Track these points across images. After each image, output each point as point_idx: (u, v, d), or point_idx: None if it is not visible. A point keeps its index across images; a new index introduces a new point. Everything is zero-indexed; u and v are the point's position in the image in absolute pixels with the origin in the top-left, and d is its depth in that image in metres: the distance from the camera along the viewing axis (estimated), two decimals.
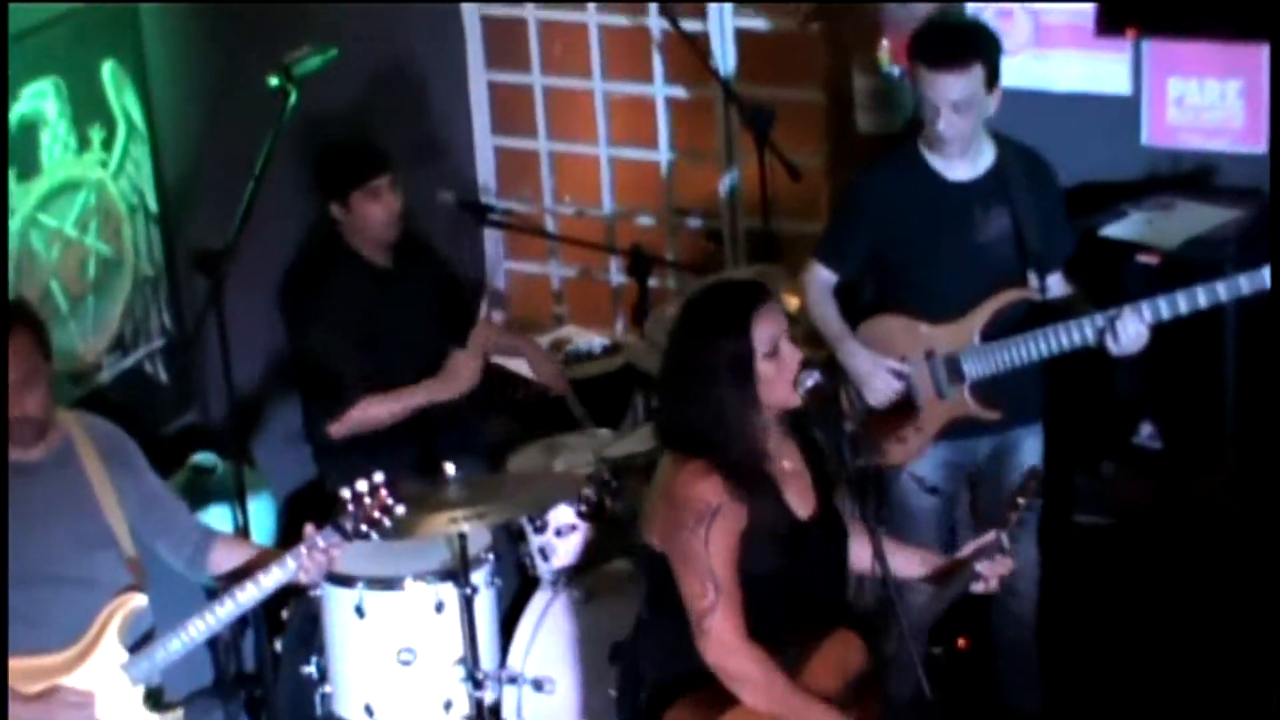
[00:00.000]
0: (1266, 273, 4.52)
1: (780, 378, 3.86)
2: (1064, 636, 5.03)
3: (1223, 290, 4.56)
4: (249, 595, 4.15)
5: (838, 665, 3.97)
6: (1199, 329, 4.79)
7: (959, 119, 4.62)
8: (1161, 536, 5.15)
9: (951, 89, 4.59)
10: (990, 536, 4.03)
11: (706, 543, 3.83)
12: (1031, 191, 4.72)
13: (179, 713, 4.28)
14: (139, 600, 4.17)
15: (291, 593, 4.71)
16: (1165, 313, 4.59)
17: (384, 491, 4.14)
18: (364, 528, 4.16)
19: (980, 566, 4.01)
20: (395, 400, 5.29)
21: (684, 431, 3.92)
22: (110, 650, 4.15)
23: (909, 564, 4.09)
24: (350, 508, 4.15)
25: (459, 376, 5.39)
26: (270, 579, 4.14)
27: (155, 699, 4.23)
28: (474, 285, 6.62)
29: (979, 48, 4.66)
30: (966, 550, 4.05)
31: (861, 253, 4.81)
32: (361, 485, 4.15)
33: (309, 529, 4.18)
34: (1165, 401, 5.20)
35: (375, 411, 5.27)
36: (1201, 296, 4.57)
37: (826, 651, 3.96)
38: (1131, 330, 4.58)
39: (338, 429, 5.25)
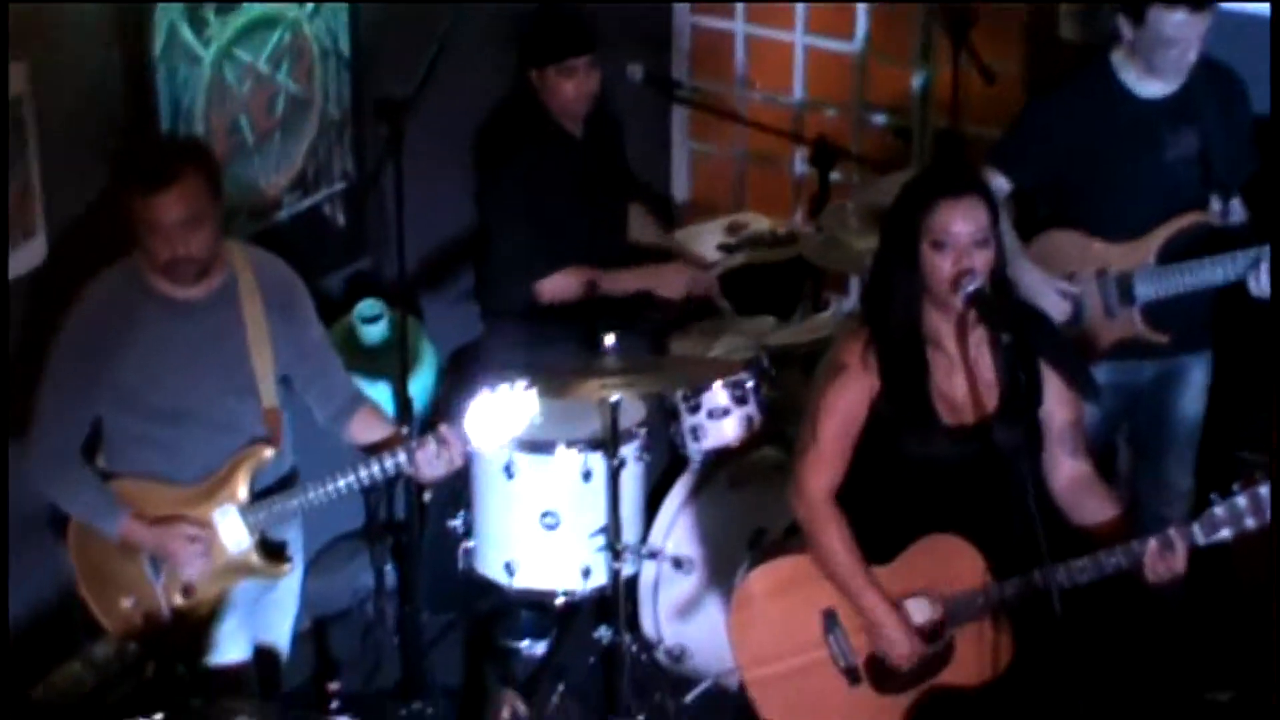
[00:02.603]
0: None
1: (940, 271, 3.85)
2: (1211, 561, 4.93)
3: None
4: (370, 473, 4.21)
5: (933, 569, 3.97)
6: None
7: (1192, 54, 4.52)
8: None
9: (1197, 27, 4.48)
10: (1169, 534, 3.86)
11: (824, 394, 3.94)
12: (1223, 112, 4.60)
13: (288, 567, 4.36)
14: (268, 452, 4.25)
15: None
16: None
17: (522, 397, 4.17)
18: (494, 432, 4.18)
19: (1149, 556, 3.85)
20: (609, 278, 5.32)
21: (863, 296, 4.03)
22: (234, 495, 4.24)
23: (1101, 509, 4.01)
24: (484, 408, 4.17)
25: (678, 282, 5.39)
26: (389, 464, 4.20)
27: (270, 550, 4.31)
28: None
29: None
30: (1150, 544, 3.88)
31: (1040, 164, 4.72)
32: (501, 387, 4.17)
33: (441, 428, 4.22)
34: None
35: (586, 280, 5.29)
36: None
37: (924, 552, 3.97)
38: (1265, 278, 4.47)
39: (546, 291, 5.28)
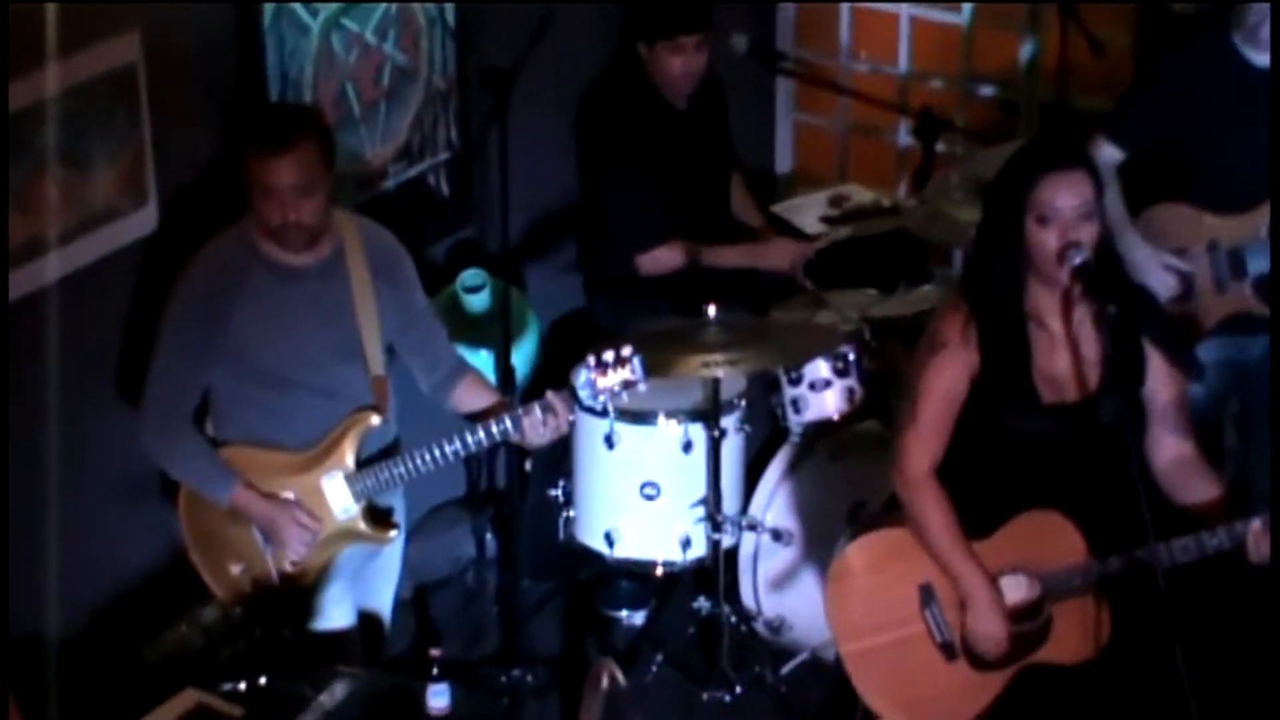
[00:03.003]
0: None
1: (1045, 246, 3.82)
2: None
3: None
4: (476, 440, 4.23)
5: (1031, 545, 3.95)
6: None
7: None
8: None
9: None
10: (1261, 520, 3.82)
11: (924, 371, 3.93)
12: None
13: (395, 533, 4.39)
14: (375, 419, 4.27)
15: None
16: None
17: (628, 366, 4.17)
18: (599, 398, 4.19)
19: (1251, 536, 3.82)
20: (713, 253, 5.32)
21: (965, 271, 4.00)
22: (341, 461, 4.27)
23: (1208, 490, 3.97)
24: (590, 375, 4.18)
25: (783, 256, 5.38)
26: (496, 430, 4.22)
27: (376, 516, 4.34)
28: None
29: None
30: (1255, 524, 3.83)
31: (1152, 133, 4.66)
32: (608, 355, 4.18)
33: (549, 394, 4.22)
34: None
35: (688, 255, 5.29)
36: None
37: (1022, 528, 3.95)
38: None
39: (647, 263, 5.29)
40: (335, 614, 4.35)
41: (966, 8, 6.28)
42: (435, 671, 3.92)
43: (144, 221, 4.54)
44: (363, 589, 4.48)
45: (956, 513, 3.95)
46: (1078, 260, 3.80)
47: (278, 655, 4.09)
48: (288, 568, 4.29)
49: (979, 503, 3.96)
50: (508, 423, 4.23)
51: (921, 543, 3.99)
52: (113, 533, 4.59)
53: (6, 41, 4.12)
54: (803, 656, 4.99)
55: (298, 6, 4.84)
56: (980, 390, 3.91)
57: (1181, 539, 3.85)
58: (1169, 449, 3.99)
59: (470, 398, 4.42)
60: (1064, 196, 3.81)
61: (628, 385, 4.21)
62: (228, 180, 4.30)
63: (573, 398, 4.22)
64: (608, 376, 4.20)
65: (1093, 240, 3.83)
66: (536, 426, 4.22)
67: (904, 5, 6.40)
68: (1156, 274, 4.61)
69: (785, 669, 5.00)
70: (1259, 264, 4.62)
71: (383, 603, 4.58)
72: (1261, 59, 4.57)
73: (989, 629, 3.97)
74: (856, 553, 4.10)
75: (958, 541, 3.95)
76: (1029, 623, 4.01)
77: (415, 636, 5.18)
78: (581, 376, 4.22)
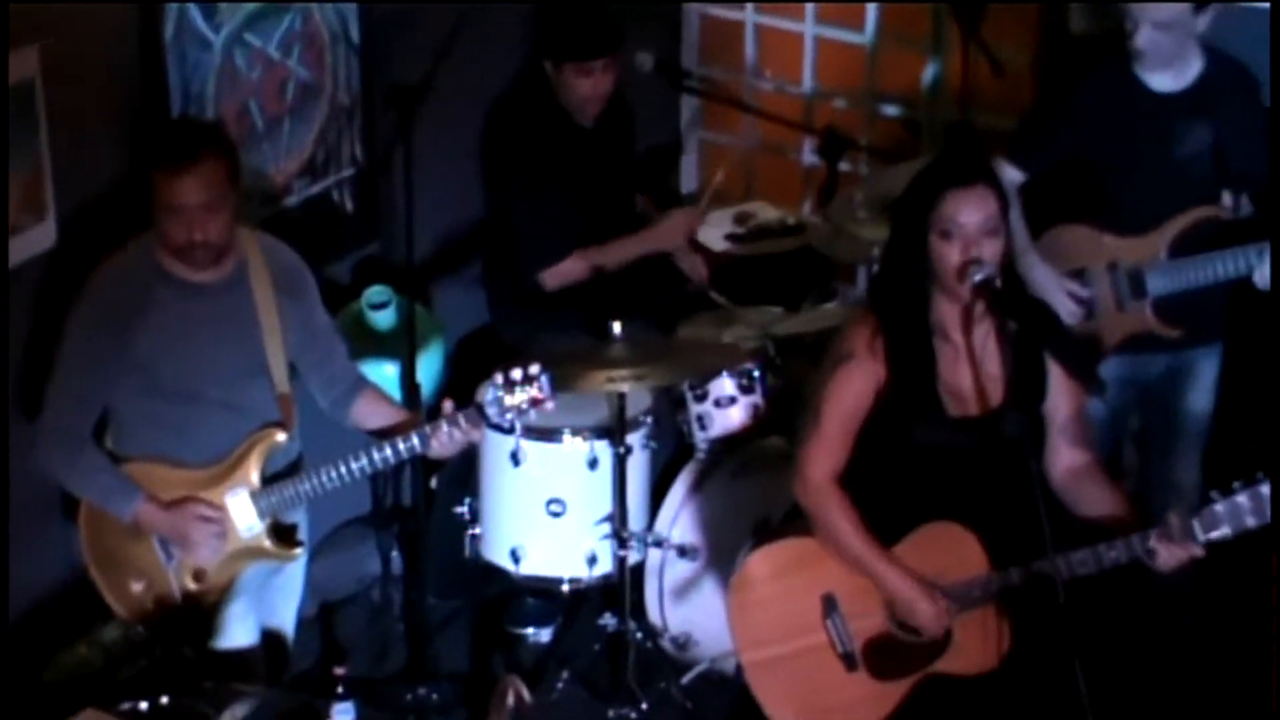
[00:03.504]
0: None
1: (948, 260, 3.86)
2: (1223, 560, 4.94)
3: None
4: (384, 456, 4.22)
5: (933, 557, 3.97)
6: None
7: (1161, 36, 4.51)
8: None
9: (1158, 9, 4.48)
10: (1175, 520, 3.85)
11: (829, 381, 3.95)
12: (1238, 108, 4.60)
13: (299, 551, 4.37)
14: (281, 435, 4.25)
15: None
16: None
17: (535, 384, 4.17)
18: (507, 416, 4.19)
19: (1157, 544, 3.85)
20: (611, 250, 5.32)
21: (871, 284, 3.91)
22: (246, 478, 4.24)
23: (1107, 503, 4.01)
24: (498, 394, 4.18)
25: (675, 229, 5.39)
26: (403, 447, 4.20)
27: (281, 533, 4.32)
28: (668, 150, 6.62)
29: None
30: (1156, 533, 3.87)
31: (1053, 156, 4.72)
32: (516, 373, 4.18)
33: (448, 406, 4.22)
34: None
35: (590, 262, 5.29)
36: None
37: (925, 539, 3.98)
38: (1268, 270, 4.48)
39: (552, 279, 5.28)
40: (238, 632, 4.32)
41: (870, 27, 6.34)
42: (340, 690, 3.90)
43: (43, 237, 4.49)
44: (266, 607, 4.45)
45: (862, 516, 3.97)
46: (980, 276, 3.84)
47: (179, 674, 4.06)
48: (190, 584, 4.26)
49: (882, 515, 3.98)
50: (415, 440, 4.22)
51: (833, 550, 4.00)
52: (13, 552, 4.53)
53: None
54: (701, 667, 5.00)
55: (200, 23, 4.81)
56: (886, 402, 3.94)
57: (1080, 551, 3.89)
58: (1068, 461, 4.04)
59: (371, 414, 4.40)
60: (967, 212, 3.85)
61: (535, 403, 4.21)
62: (129, 196, 4.26)
63: (480, 415, 4.22)
64: (515, 394, 4.20)
65: (996, 256, 3.87)
66: (445, 442, 4.21)
67: (809, 24, 6.45)
68: (1057, 296, 4.66)
69: (684, 679, 5.00)
70: (1159, 284, 4.68)
71: (286, 620, 4.55)
72: (1158, 82, 4.64)
73: (924, 613, 3.96)
74: (758, 563, 4.12)
75: (870, 541, 3.96)
76: (929, 633, 4.04)
77: (320, 654, 5.14)
78: (489, 394, 4.21)
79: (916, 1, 6.14)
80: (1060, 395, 4.00)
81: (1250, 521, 3.81)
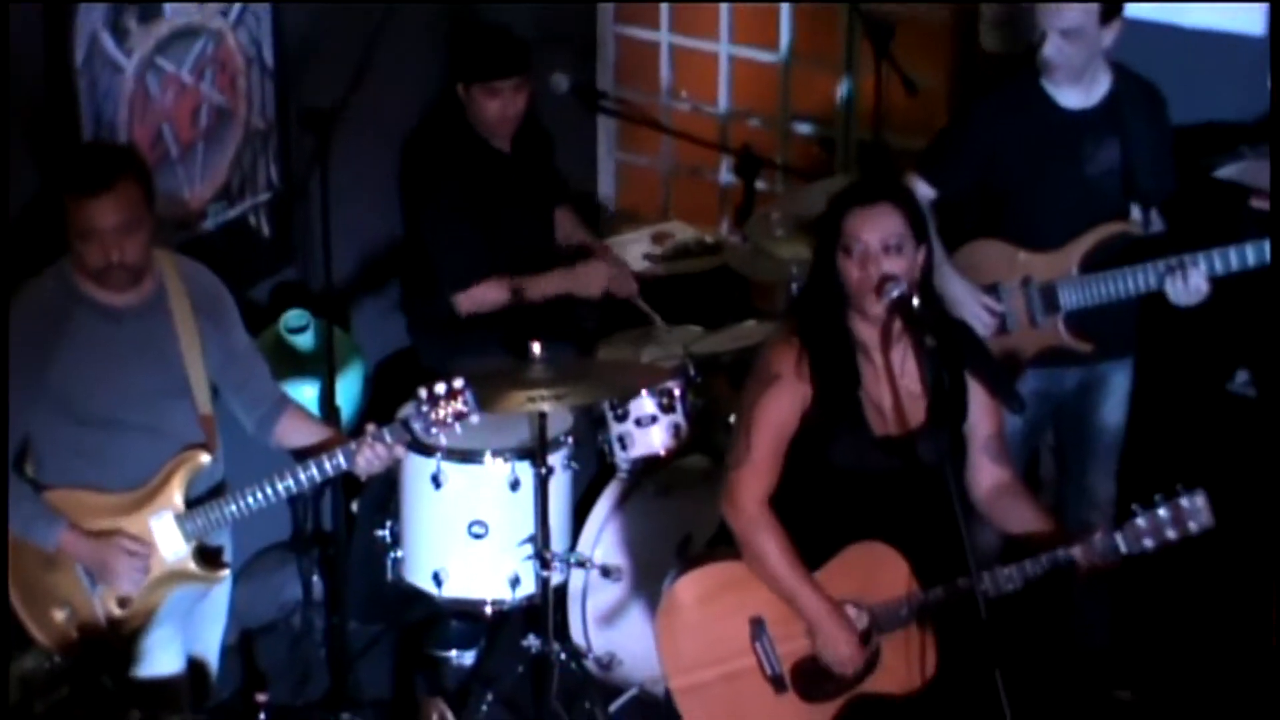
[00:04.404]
0: None
1: (856, 278, 3.90)
2: (1137, 577, 5.01)
3: None
4: (309, 475, 4.20)
5: (860, 577, 4.00)
6: None
7: (1068, 46, 4.57)
8: (1248, 486, 5.09)
9: (1062, 16, 4.54)
10: (1097, 532, 3.92)
11: (756, 403, 3.96)
12: (1145, 125, 4.67)
13: (226, 573, 4.35)
14: (204, 457, 4.23)
15: None
16: (1220, 267, 4.53)
17: (460, 398, 4.17)
18: (433, 430, 4.19)
19: (1078, 554, 3.90)
20: (530, 285, 5.32)
21: (796, 303, 4.08)
22: (170, 501, 4.21)
23: (1031, 519, 4.04)
24: (423, 408, 4.17)
25: (597, 279, 5.40)
26: (329, 465, 4.19)
27: (206, 556, 4.29)
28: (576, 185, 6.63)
29: None
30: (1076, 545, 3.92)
31: (964, 173, 4.77)
32: (440, 388, 4.17)
33: (369, 427, 4.21)
34: (1263, 349, 5.12)
35: (507, 290, 5.29)
36: (1268, 251, 4.50)
37: (851, 560, 4.00)
38: (1190, 281, 4.54)
39: (466, 302, 5.28)
40: (163, 659, 4.29)
41: (784, 47, 6.38)
42: (262, 717, 3.87)
43: None
44: (190, 633, 4.41)
45: (792, 542, 3.99)
46: (895, 293, 3.87)
47: (99, 704, 4.01)
48: (115, 611, 4.22)
49: (809, 535, 4.00)
50: (340, 457, 4.20)
51: (760, 575, 4.01)
52: None
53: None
54: (632, 692, 5.00)
55: (112, 48, 4.78)
56: (812, 422, 3.96)
57: (1005, 568, 3.93)
58: (991, 479, 4.07)
59: (295, 433, 4.38)
60: (867, 230, 3.89)
61: (460, 417, 4.20)
62: (42, 222, 4.23)
63: (406, 430, 4.21)
64: (440, 409, 4.19)
65: (909, 273, 3.90)
66: (370, 459, 4.20)
67: (723, 45, 6.48)
68: (972, 308, 4.71)
69: (614, 705, 5.00)
70: (1070, 299, 4.73)
71: (210, 647, 4.51)
72: (1068, 99, 4.70)
73: (840, 652, 3.99)
74: (687, 586, 4.12)
75: (797, 570, 3.97)
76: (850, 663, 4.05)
77: (241, 682, 5.11)
78: (414, 410, 4.20)
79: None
80: (982, 414, 4.04)
81: (1171, 534, 3.87)
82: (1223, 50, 5.36)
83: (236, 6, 5.15)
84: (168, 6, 4.93)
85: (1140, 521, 3.87)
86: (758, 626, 4.04)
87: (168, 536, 4.21)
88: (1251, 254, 4.53)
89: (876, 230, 3.89)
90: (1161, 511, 3.86)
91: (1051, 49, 4.59)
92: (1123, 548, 3.88)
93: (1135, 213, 4.70)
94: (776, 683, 4.06)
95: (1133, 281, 4.65)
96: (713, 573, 4.11)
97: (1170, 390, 5.23)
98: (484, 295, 5.30)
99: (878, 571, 3.99)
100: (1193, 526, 3.86)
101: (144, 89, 4.91)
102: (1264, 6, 5.32)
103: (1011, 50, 5.56)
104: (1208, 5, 5.39)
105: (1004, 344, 4.74)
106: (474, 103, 5.31)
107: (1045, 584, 3.97)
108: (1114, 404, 4.90)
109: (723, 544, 4.13)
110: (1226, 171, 5.18)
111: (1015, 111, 4.70)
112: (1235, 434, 5.19)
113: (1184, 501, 3.85)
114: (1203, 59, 5.34)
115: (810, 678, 4.06)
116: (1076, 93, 4.68)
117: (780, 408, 3.96)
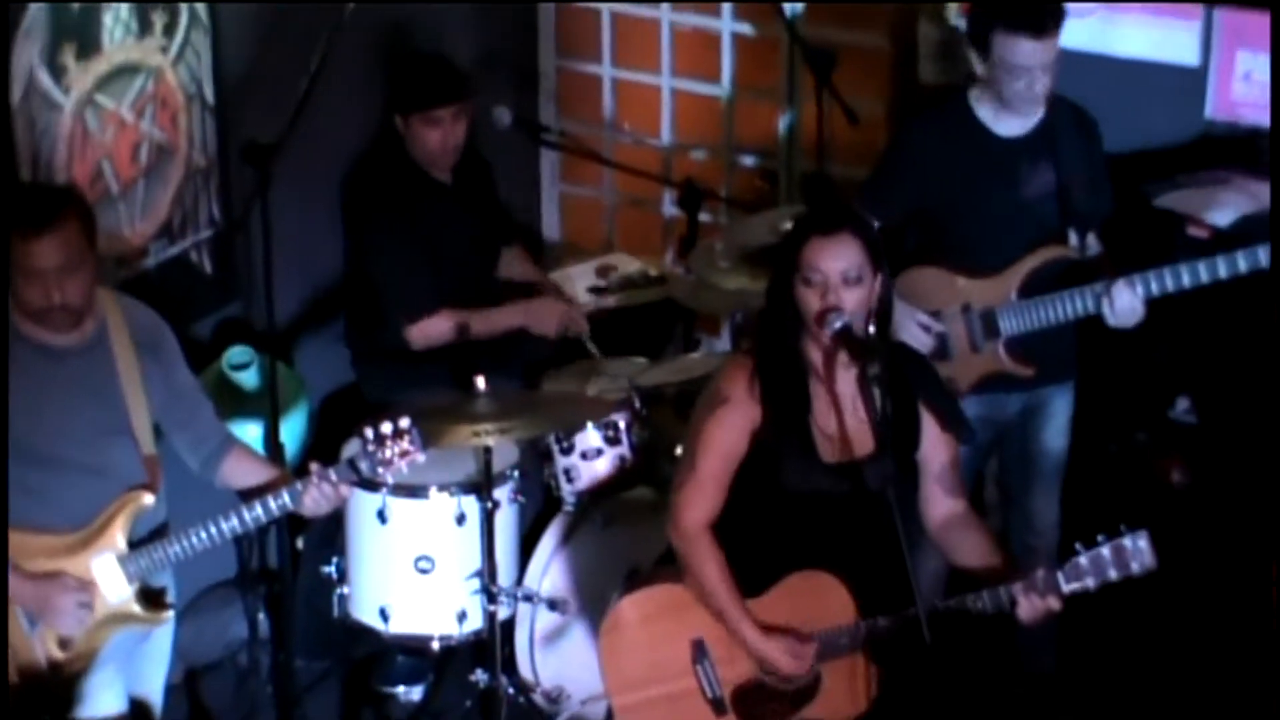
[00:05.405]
0: (1264, 251, 4.49)
1: (809, 306, 3.92)
2: (1082, 604, 5.04)
3: (1222, 267, 4.54)
4: (254, 516, 4.19)
5: (802, 605, 4.01)
6: (1243, 302, 4.75)
7: (1047, 80, 4.60)
8: (1190, 510, 5.13)
9: (1042, 54, 4.56)
10: (1041, 573, 3.92)
11: (705, 424, 3.98)
12: (1079, 150, 4.71)
13: (169, 614, 4.32)
14: (148, 498, 4.20)
15: None
16: (1156, 288, 4.58)
17: (406, 437, 4.16)
18: (379, 470, 4.18)
19: (1020, 594, 3.91)
20: (479, 319, 5.31)
21: (754, 328, 4.06)
22: (112, 542, 4.18)
23: (982, 551, 4.05)
24: (369, 448, 4.16)
25: (549, 317, 5.39)
26: (275, 505, 4.18)
27: (149, 597, 4.26)
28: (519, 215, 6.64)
29: (1061, 15, 4.63)
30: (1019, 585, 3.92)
31: (903, 201, 4.80)
32: (385, 427, 4.16)
33: (315, 467, 4.20)
34: (1204, 376, 5.17)
35: (456, 323, 5.28)
36: (1201, 272, 4.55)
37: (794, 587, 4.02)
38: (1124, 302, 4.58)
39: (417, 335, 5.26)
40: (105, 700, 4.25)
41: (726, 79, 6.41)
42: None
43: None
44: (133, 674, 4.38)
45: (729, 566, 3.98)
46: (838, 325, 3.89)
47: None
48: (56, 653, 4.18)
49: (753, 561, 4.01)
50: (286, 497, 4.18)
51: (697, 595, 4.02)
52: None
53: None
54: (571, 710, 4.98)
55: (50, 85, 4.76)
56: (761, 445, 3.97)
57: (947, 600, 3.94)
58: (944, 510, 4.09)
59: (241, 472, 4.36)
60: (827, 260, 3.90)
61: (406, 456, 4.19)
62: None
63: (353, 470, 4.19)
64: (386, 449, 4.18)
65: (861, 305, 3.92)
66: (316, 499, 4.18)
67: (666, 78, 6.50)
68: (912, 331, 4.73)
69: None
70: (1010, 324, 4.76)
71: (153, 688, 4.48)
72: (1003, 127, 4.74)
73: (789, 666, 3.99)
74: (629, 607, 4.13)
75: (733, 597, 3.99)
76: (798, 679, 4.06)
77: None
78: (359, 449, 4.19)
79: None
80: (934, 445, 4.05)
81: (1112, 574, 3.89)
82: (1154, 78, 5.41)
83: (177, 42, 5.14)
84: (106, 43, 4.92)
85: (1083, 561, 3.89)
86: (699, 649, 4.05)
87: (110, 578, 4.18)
88: (1186, 276, 4.58)
89: (837, 260, 3.90)
90: (1104, 551, 3.88)
91: (1037, 86, 4.59)
92: (1064, 587, 3.89)
93: (1072, 237, 4.74)
94: (717, 705, 4.07)
95: (1071, 305, 4.68)
96: (656, 594, 4.12)
97: (1112, 418, 5.27)
98: (435, 327, 5.30)
99: (821, 600, 4.00)
100: (1135, 567, 3.89)
101: (83, 126, 4.89)
102: (1196, 36, 5.37)
103: (950, 80, 5.60)
104: (1140, 34, 5.45)
105: (946, 371, 4.76)
106: (413, 134, 5.31)
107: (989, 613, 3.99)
108: (1056, 428, 4.93)
109: (670, 565, 4.13)
110: (1164, 200, 5.23)
111: (950, 139, 4.74)
112: (1178, 461, 5.22)
113: (1126, 542, 3.87)
114: (1135, 87, 5.39)
115: (751, 701, 4.07)
116: (1012, 120, 4.72)
117: (729, 429, 3.97)
